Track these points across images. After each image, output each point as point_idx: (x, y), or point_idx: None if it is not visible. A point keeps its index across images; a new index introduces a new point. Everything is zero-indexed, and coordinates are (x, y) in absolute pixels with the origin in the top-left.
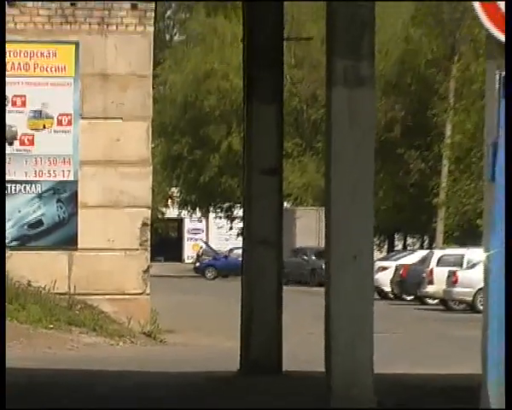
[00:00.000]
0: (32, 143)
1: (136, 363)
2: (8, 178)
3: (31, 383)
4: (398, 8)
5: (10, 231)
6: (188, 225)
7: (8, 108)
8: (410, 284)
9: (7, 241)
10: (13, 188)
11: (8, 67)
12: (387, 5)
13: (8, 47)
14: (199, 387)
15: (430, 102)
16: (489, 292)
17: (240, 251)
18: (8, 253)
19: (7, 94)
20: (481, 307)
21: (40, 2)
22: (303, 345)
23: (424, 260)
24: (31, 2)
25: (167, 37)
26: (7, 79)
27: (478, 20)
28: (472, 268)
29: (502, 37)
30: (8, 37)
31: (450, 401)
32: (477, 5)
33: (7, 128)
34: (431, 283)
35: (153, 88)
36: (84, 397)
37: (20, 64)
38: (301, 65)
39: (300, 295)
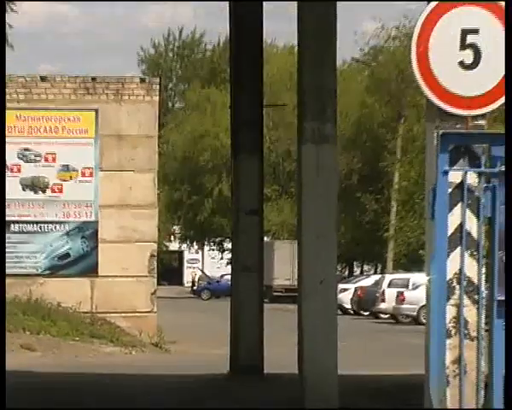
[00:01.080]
0: (61, 191)
1: (146, 367)
2: (41, 219)
3: (62, 383)
4: (355, 80)
5: (44, 262)
6: (187, 256)
7: (42, 163)
8: (366, 302)
9: (41, 270)
10: (46, 227)
11: (41, 130)
12: (347, 77)
13: (41, 113)
14: (196, 386)
15: (381, 156)
16: (430, 308)
17: (229, 277)
18: (41, 279)
19: (41, 151)
20: (424, 320)
21: (67, 77)
22: (282, 352)
23: (377, 283)
24: (59, 77)
25: (170, 104)
26: (42, 139)
27: (419, 90)
28: (416, 289)
29: (439, 103)
30: (41, 105)
31: (399, 399)
32: (419, 78)
33: (41, 179)
34: (383, 301)
35: (158, 146)
36: (103, 394)
37: (51, 127)
38: (277, 127)
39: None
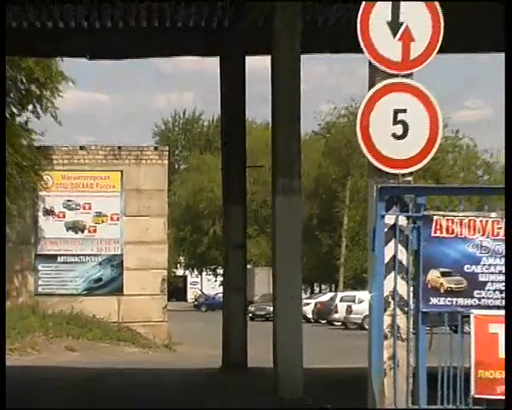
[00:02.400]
0: (95, 231)
1: (158, 363)
2: (80, 252)
3: (97, 374)
4: (314, 147)
5: (82, 285)
6: (189, 279)
7: (80, 210)
8: (323, 313)
9: (80, 291)
10: (84, 258)
11: (80, 186)
12: (309, 145)
13: (80, 174)
14: (196, 376)
15: (334, 204)
16: (371, 317)
17: (221, 295)
18: (81, 298)
19: (80, 202)
20: (367, 327)
21: (99, 146)
22: (262, 352)
23: (332, 299)
24: (94, 146)
25: (176, 166)
26: (81, 193)
27: (363, 154)
28: (360, 303)
29: (378, 164)
30: (79, 168)
31: (348, 386)
32: (362, 145)
33: (80, 221)
34: (336, 312)
35: (167, 197)
36: (128, 379)
37: (87, 184)
38: (257, 182)
39: (255, 321)
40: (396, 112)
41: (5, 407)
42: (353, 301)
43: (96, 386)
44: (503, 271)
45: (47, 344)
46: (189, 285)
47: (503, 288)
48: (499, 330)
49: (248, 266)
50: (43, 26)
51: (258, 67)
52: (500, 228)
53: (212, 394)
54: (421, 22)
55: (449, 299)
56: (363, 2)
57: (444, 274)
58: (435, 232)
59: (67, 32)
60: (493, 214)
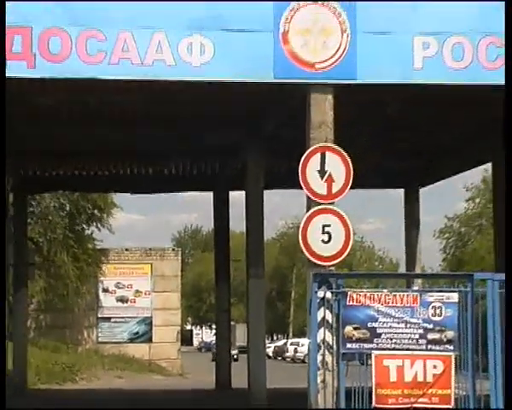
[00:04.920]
0: (134, 302)
1: (175, 386)
2: (125, 315)
3: (136, 394)
4: (273, 248)
5: (126, 336)
6: (194, 331)
7: (125, 289)
8: (279, 353)
9: (124, 340)
10: (127, 319)
11: (125, 273)
12: (270, 245)
13: (124, 266)
14: (198, 392)
15: (286, 283)
16: (309, 356)
17: (215, 341)
18: (125, 345)
19: (125, 283)
20: (307, 361)
21: (137, 248)
22: (240, 377)
23: (285, 343)
24: (134, 248)
25: (186, 260)
26: (125, 278)
27: (303, 252)
28: (303, 346)
29: (313, 259)
30: (124, 262)
31: (295, 399)
32: (303, 247)
33: (125, 296)
34: (287, 352)
35: (180, 280)
36: (157, 394)
37: (129, 272)
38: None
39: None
40: (323, 226)
41: (5, 406)
42: (298, 345)
43: (136, 400)
44: (393, 326)
45: (104, 375)
46: (194, 335)
47: (393, 337)
48: (390, 363)
49: (232, 323)
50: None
51: (237, 198)
52: (390, 299)
53: (209, 403)
54: (338, 171)
55: (358, 344)
56: (303, 157)
57: (355, 328)
58: (349, 302)
59: (119, 178)
60: (385, 290)
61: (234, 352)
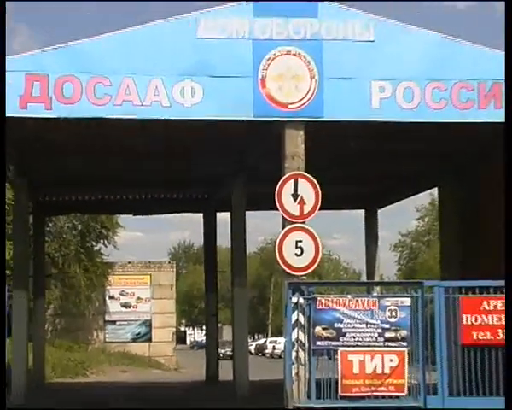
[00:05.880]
0: (136, 307)
1: (171, 378)
2: (128, 319)
3: (139, 385)
4: (254, 261)
5: (129, 336)
6: (188, 332)
7: (128, 296)
8: (259, 350)
9: (128, 340)
10: (130, 322)
11: (128, 283)
12: (252, 258)
13: (128, 276)
14: (190, 384)
15: (265, 291)
16: (285, 352)
17: (205, 341)
18: (128, 344)
19: (128, 291)
20: (283, 357)
21: (138, 261)
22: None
23: (264, 342)
24: (135, 261)
25: (180, 271)
26: (128, 287)
27: (280, 264)
28: (280, 344)
29: (288, 270)
30: (128, 273)
31: (274, 389)
32: (279, 260)
33: (128, 302)
34: (267, 349)
35: (175, 288)
36: (154, 385)
37: (132, 282)
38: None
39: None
40: (296, 241)
41: (5, 406)
42: (276, 343)
43: (140, 389)
44: (355, 326)
45: (110, 370)
46: (187, 335)
47: (356, 335)
48: (353, 358)
49: (219, 325)
50: (108, 200)
51: (223, 218)
52: (353, 303)
53: (200, 393)
54: (309, 195)
55: (327, 342)
56: (279, 183)
57: (323, 329)
58: (319, 306)
59: (123, 202)
60: (349, 296)
61: (221, 351)
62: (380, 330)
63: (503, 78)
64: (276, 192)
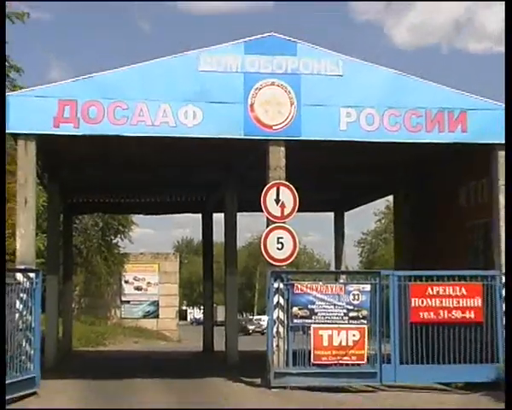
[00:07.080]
0: (146, 290)
1: (174, 348)
2: (140, 299)
3: (149, 352)
4: (243, 253)
5: (140, 313)
6: (188, 311)
7: (140, 281)
8: (244, 328)
9: (139, 316)
10: (142, 302)
11: (140, 270)
12: (241, 252)
13: (140, 265)
14: (190, 353)
15: (252, 277)
16: (268, 329)
17: (203, 318)
18: (140, 320)
19: (140, 277)
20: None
21: (149, 252)
22: (220, 343)
23: (250, 319)
24: (147, 252)
25: (183, 261)
26: (140, 273)
27: (264, 256)
28: (264, 322)
29: (271, 261)
30: (140, 262)
31: (260, 359)
32: (264, 253)
33: (140, 286)
34: (252, 326)
35: (179, 275)
36: (159, 353)
37: (143, 269)
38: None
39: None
40: (278, 238)
41: (5, 406)
42: (260, 320)
43: (149, 356)
44: (325, 307)
45: (125, 340)
46: (188, 313)
47: (325, 315)
48: (323, 333)
49: (214, 305)
50: (124, 202)
51: (218, 218)
52: (323, 288)
53: (197, 360)
54: (288, 200)
55: (302, 320)
56: (264, 190)
57: (299, 309)
58: (295, 291)
59: (136, 204)
60: (320, 283)
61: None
62: (345, 311)
63: (447, 106)
64: (262, 197)
